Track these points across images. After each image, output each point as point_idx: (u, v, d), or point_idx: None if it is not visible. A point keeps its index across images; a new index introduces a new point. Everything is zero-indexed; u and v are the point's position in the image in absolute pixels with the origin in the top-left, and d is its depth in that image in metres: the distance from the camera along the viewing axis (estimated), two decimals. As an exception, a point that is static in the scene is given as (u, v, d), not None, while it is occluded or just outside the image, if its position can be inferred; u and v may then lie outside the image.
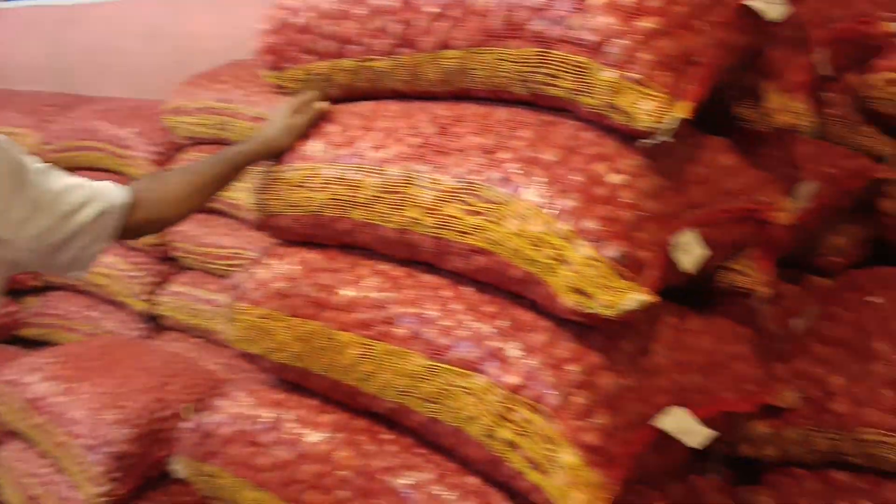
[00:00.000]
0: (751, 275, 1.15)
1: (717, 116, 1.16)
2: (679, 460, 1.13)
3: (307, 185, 1.21)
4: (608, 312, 0.91)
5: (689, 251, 1.01)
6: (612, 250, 0.92)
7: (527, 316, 1.03)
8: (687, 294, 1.16)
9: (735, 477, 1.27)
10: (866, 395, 1.13)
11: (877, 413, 1.12)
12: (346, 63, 1.22)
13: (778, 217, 1.14)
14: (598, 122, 1.00)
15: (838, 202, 1.31)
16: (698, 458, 1.22)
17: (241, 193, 1.76)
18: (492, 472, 1.04)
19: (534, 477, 0.95)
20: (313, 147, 1.23)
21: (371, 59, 1.19)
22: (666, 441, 1.03)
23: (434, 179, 1.06)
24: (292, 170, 1.24)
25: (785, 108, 1.13)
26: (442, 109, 1.14)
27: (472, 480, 1.07)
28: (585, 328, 0.99)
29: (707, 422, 1.07)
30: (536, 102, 1.06)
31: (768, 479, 1.23)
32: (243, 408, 1.29)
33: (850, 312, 1.21)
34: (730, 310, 1.21)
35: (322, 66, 1.26)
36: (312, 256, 1.25)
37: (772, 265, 1.18)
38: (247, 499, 1.23)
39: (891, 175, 1.34)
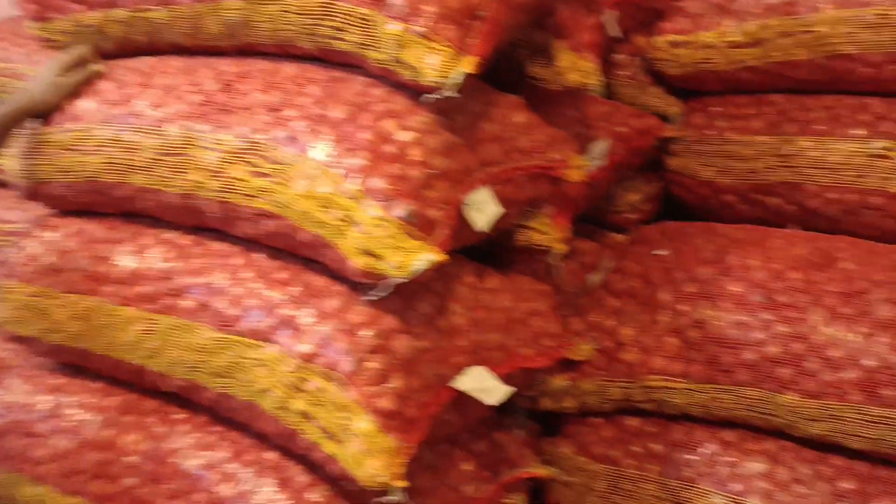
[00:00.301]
0: (547, 232, 1.17)
1: (510, 75, 1.16)
2: (482, 418, 1.14)
3: (79, 147, 1.10)
4: (398, 274, 0.89)
5: (483, 209, 1.00)
6: (401, 210, 0.90)
7: (320, 281, 0.99)
8: (485, 253, 1.17)
9: (538, 430, 1.31)
10: (652, 343, 1.18)
11: (662, 360, 1.17)
12: (119, 13, 1.12)
13: (571, 174, 1.16)
14: (388, 78, 0.97)
15: (629, 160, 1.36)
16: (502, 413, 1.24)
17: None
18: (289, 445, 1.00)
19: (329, 447, 0.92)
20: (85, 106, 1.12)
21: (146, 10, 1.09)
22: (466, 400, 1.03)
23: (217, 140, 0.99)
24: (61, 131, 1.12)
25: (574, 66, 1.15)
26: (227, 65, 1.07)
27: (270, 455, 1.02)
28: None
29: (506, 378, 1.08)
30: (325, 58, 1.02)
31: (568, 430, 1.27)
32: (17, 396, 1.17)
33: (638, 265, 1.26)
34: (528, 267, 1.23)
35: (92, 16, 1.14)
36: (91, 227, 1.15)
37: (567, 222, 1.20)
38: (25, 495, 1.12)
39: (676, 134, 1.41)
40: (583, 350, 1.21)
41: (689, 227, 1.32)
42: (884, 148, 1.24)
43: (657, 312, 1.19)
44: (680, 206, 1.46)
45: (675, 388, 1.17)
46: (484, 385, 1.03)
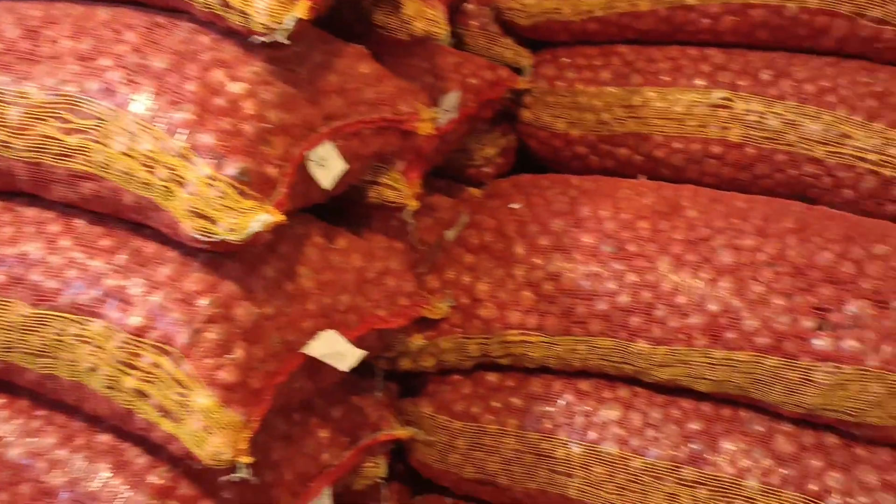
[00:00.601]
0: (399, 188, 1.13)
1: (354, 24, 1.10)
2: (337, 382, 1.10)
3: None
4: (233, 237, 0.82)
5: (327, 166, 0.95)
6: (234, 168, 0.83)
7: (150, 247, 0.91)
8: (335, 212, 1.12)
9: (398, 391, 1.28)
10: (508, 298, 1.17)
11: (518, 315, 1.17)
12: None
13: (422, 127, 1.12)
14: (216, 24, 0.89)
15: (481, 112, 1.33)
16: (360, 376, 1.20)
17: None
18: (125, 427, 0.92)
19: (167, 426, 0.85)
20: None
21: (-70, -55, 0.96)
22: (318, 366, 0.99)
23: (21, 92, 0.89)
24: None
25: (421, 14, 1.10)
26: (30, 9, 0.95)
27: (103, 438, 0.94)
28: (219, 256, 0.90)
29: (360, 341, 1.05)
30: (146, 2, 0.92)
31: (428, 389, 1.25)
32: None
33: (493, 220, 1.24)
34: (381, 225, 1.19)
35: None
36: None
37: (419, 177, 1.17)
38: None
39: (527, 85, 1.39)
40: (439, 308, 1.18)
41: (543, 180, 1.31)
42: (723, 98, 1.27)
43: (512, 266, 1.18)
44: (534, 158, 1.45)
45: (531, 342, 1.16)
46: (336, 349, 0.99)
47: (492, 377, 1.22)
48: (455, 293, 1.20)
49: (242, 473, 0.84)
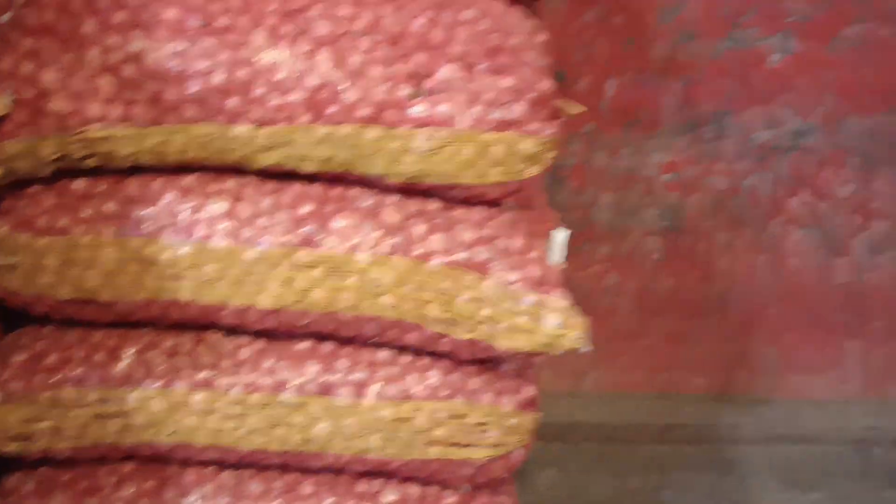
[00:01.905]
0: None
1: None
2: None
3: None
4: None
5: None
6: None
7: None
8: None
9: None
10: (84, 87, 1.01)
11: (98, 106, 1.01)
12: None
13: None
14: None
15: None
16: None
17: None
18: None
19: None
20: None
21: None
22: None
23: None
24: None
25: None
26: None
27: None
28: None
29: None
30: None
31: (1, 207, 1.07)
32: None
33: (56, -4, 1.04)
34: None
35: None
36: None
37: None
38: None
39: None
40: (-2, 104, 0.99)
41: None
42: None
43: (84, 49, 1.01)
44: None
45: (118, 137, 1.02)
46: None
47: (79, 184, 1.07)
48: (16, 85, 1.01)
49: None
